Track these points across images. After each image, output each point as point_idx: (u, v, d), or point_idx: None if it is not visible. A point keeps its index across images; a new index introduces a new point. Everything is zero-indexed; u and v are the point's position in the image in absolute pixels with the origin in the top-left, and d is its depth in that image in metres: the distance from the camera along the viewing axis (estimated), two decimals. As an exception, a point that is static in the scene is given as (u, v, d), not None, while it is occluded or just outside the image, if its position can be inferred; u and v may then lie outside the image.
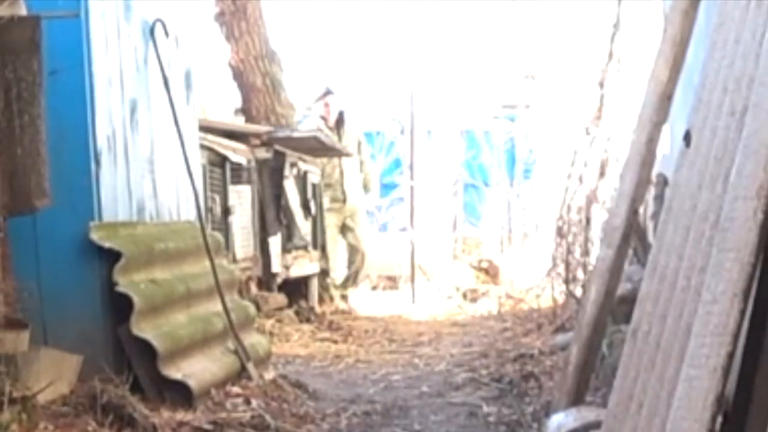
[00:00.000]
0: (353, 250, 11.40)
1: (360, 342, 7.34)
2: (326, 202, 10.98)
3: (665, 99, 3.10)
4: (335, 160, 11.15)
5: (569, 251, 6.63)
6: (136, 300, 4.32)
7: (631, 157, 3.21)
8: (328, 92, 11.46)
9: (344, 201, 11.27)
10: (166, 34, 5.22)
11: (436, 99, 12.72)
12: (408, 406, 4.90)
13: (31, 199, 3.78)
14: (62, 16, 4.07)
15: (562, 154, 8.82)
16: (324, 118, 11.22)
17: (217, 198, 7.16)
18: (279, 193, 8.47)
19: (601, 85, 6.42)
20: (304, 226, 9.06)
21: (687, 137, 2.04)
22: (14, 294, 3.84)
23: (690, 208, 1.87)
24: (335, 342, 7.30)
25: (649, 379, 1.86)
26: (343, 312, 9.23)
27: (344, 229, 11.43)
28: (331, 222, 11.17)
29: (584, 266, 6.35)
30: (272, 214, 8.32)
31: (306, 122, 11.60)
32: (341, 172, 11.33)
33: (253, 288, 7.68)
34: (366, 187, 12.00)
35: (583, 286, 5.72)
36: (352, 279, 11.34)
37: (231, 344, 5.07)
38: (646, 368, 1.91)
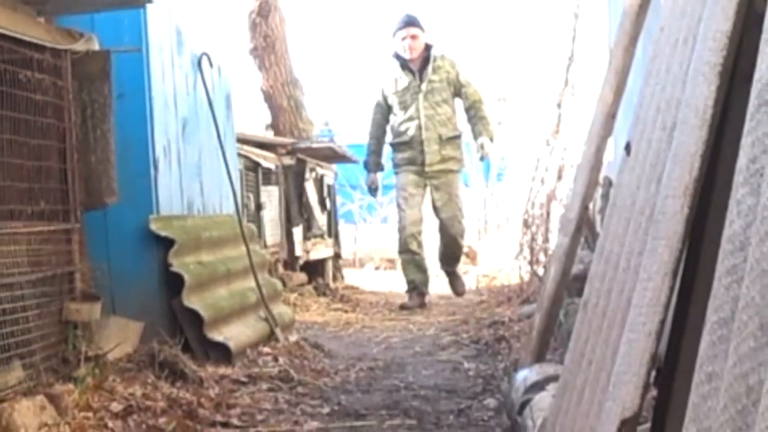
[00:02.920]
0: (441, 225, 7.61)
1: (366, 311, 7.33)
2: (403, 163, 7.47)
3: (610, 117, 3.09)
4: (412, 111, 7.36)
5: (533, 239, 6.61)
6: (187, 278, 4.32)
7: (583, 163, 3.20)
8: (409, 22, 7.41)
9: (423, 164, 7.39)
10: (211, 64, 5.23)
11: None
12: (404, 363, 4.90)
13: (103, 197, 3.78)
14: (127, 50, 4.07)
15: (527, 161, 8.81)
16: (402, 58, 7.39)
17: (251, 196, 7.17)
18: (301, 193, 8.47)
19: (559, 106, 6.41)
20: (320, 219, 9.05)
21: (627, 147, 2.04)
22: (89, 273, 3.84)
23: (630, 204, 1.87)
24: (346, 311, 7.29)
25: (597, 342, 1.86)
26: (352, 287, 9.22)
27: (434, 198, 7.56)
28: (407, 182, 7.44)
29: (545, 251, 6.35)
30: (295, 209, 8.32)
31: (382, 68, 7.62)
32: (419, 127, 7.34)
33: (280, 268, 7.68)
34: (479, 132, 7.46)
35: (545, 267, 5.72)
36: (445, 261, 7.88)
37: (262, 313, 5.08)
38: (595, 333, 1.90)
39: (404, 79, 7.42)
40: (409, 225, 7.44)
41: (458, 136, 7.57)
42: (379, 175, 7.89)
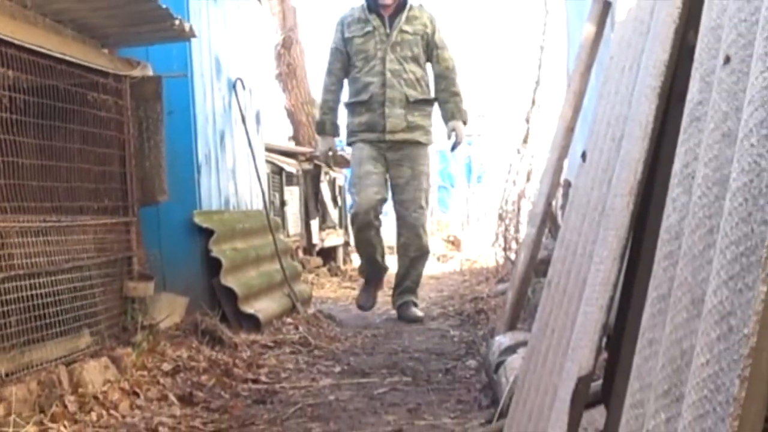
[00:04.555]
0: (399, 215, 5.11)
1: (370, 289, 7.31)
2: (360, 129, 5.05)
3: (569, 131, 3.09)
4: (374, 63, 4.91)
5: (507, 230, 6.61)
6: (224, 261, 4.32)
7: (547, 168, 3.20)
8: None
9: (383, 131, 4.94)
10: (243, 87, 5.22)
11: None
12: (401, 331, 4.90)
13: (156, 195, 3.79)
14: (175, 75, 4.07)
15: (502, 166, 8.81)
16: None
17: (277, 195, 7.17)
18: (317, 192, 8.47)
19: (527, 121, 6.40)
20: (333, 213, 9.06)
21: (584, 155, 2.04)
22: (144, 258, 3.85)
23: (586, 202, 1.87)
24: (353, 289, 7.29)
25: (559, 314, 1.86)
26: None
27: (392, 176, 5.05)
28: (363, 157, 5.01)
29: (516, 240, 6.34)
30: (312, 205, 8.32)
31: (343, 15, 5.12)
32: (383, 84, 4.90)
33: (300, 254, 7.69)
34: (452, 114, 5.05)
35: (516, 253, 5.72)
36: (401, 284, 5.27)
37: (286, 290, 5.08)
38: (557, 306, 1.91)
39: (369, 23, 5.00)
40: (363, 213, 4.95)
41: (429, 101, 5.09)
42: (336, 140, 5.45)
